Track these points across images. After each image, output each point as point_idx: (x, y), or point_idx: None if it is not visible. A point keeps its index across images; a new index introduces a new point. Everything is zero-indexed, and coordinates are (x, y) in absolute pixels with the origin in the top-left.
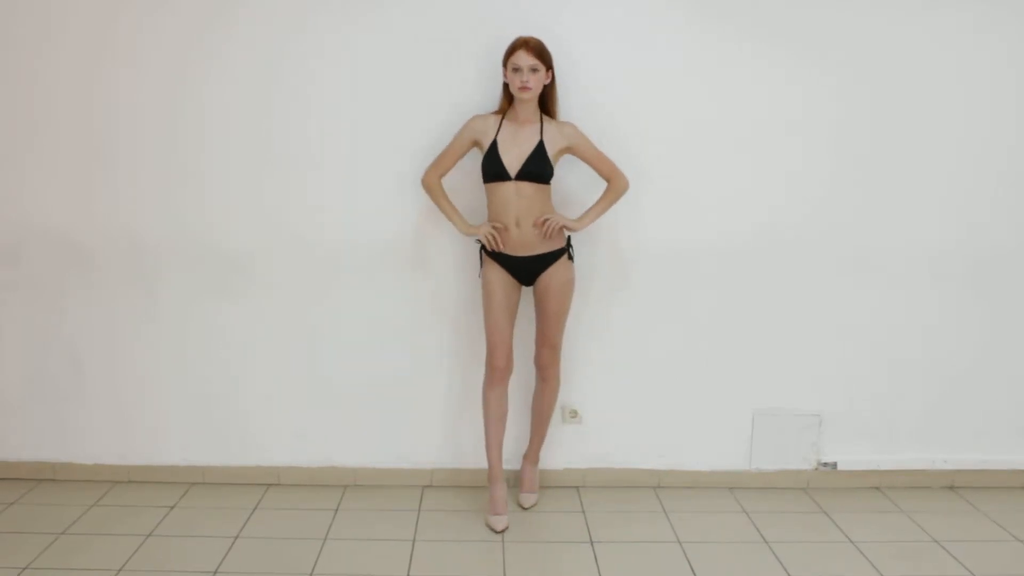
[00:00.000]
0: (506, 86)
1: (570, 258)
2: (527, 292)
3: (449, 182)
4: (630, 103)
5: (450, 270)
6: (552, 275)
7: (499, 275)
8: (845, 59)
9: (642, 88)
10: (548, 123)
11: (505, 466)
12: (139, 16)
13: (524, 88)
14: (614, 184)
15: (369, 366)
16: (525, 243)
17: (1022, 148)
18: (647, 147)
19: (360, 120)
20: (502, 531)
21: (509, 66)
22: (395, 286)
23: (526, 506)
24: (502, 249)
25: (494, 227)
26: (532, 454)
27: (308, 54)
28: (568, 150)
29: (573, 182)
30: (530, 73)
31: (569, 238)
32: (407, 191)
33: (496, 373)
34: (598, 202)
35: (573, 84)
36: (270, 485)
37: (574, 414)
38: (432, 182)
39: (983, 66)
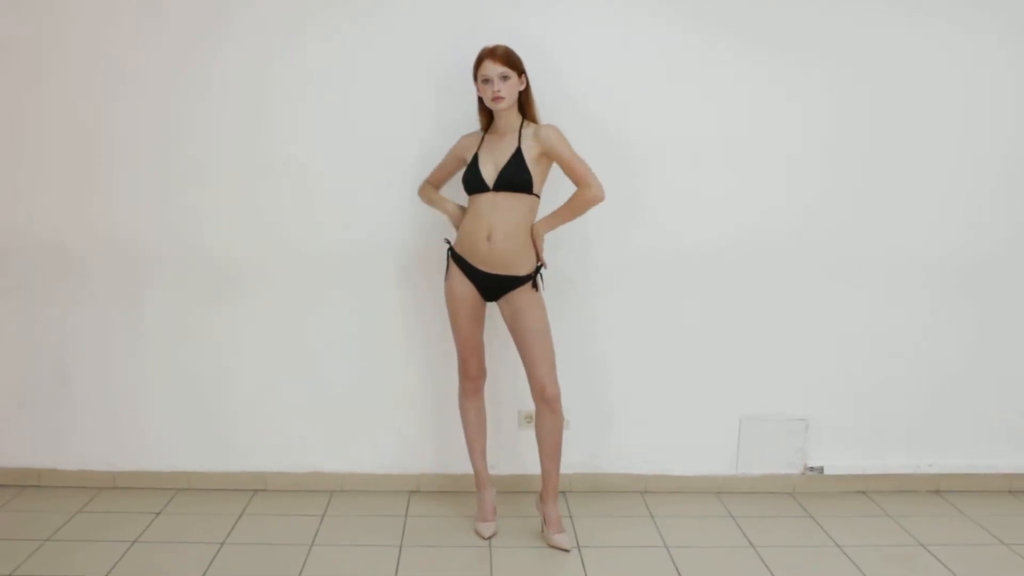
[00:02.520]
0: (481, 100)
1: (535, 287)
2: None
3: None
4: (620, 106)
5: (438, 277)
6: (517, 294)
7: (463, 285)
8: (842, 63)
9: (633, 90)
10: (527, 128)
11: (490, 472)
12: (132, 24)
13: (497, 98)
14: (581, 192)
15: (356, 372)
16: (494, 261)
17: (1017, 156)
18: (635, 150)
19: (351, 129)
20: (490, 537)
21: (479, 78)
22: (383, 293)
23: (567, 547)
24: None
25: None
26: (551, 493)
27: (300, 63)
28: (546, 155)
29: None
30: (501, 82)
31: (538, 268)
32: (398, 199)
33: (470, 383)
34: (560, 208)
35: (559, 86)
36: (257, 491)
37: None
38: (424, 191)
39: (981, 70)
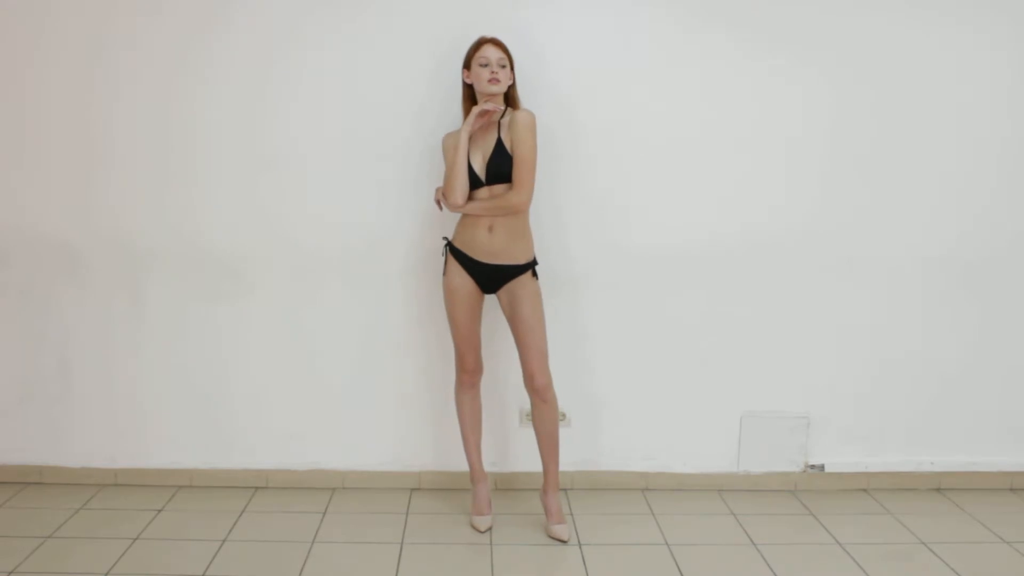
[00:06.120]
0: (467, 90)
1: (534, 275)
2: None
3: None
4: (620, 104)
5: (438, 274)
6: (517, 283)
7: (462, 278)
8: (842, 60)
9: (632, 88)
10: (507, 116)
11: (492, 469)
12: (132, 20)
13: (493, 80)
14: (508, 194)
15: (357, 369)
16: (494, 251)
17: (1014, 153)
18: (636, 147)
19: (350, 127)
20: (486, 531)
21: (475, 62)
22: (383, 290)
23: (565, 538)
24: (487, 109)
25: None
26: (552, 485)
27: (299, 60)
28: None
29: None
30: (499, 67)
31: (534, 258)
32: (398, 196)
33: (466, 376)
34: (483, 202)
35: (557, 84)
36: (258, 488)
37: (562, 416)
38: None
39: (980, 69)
